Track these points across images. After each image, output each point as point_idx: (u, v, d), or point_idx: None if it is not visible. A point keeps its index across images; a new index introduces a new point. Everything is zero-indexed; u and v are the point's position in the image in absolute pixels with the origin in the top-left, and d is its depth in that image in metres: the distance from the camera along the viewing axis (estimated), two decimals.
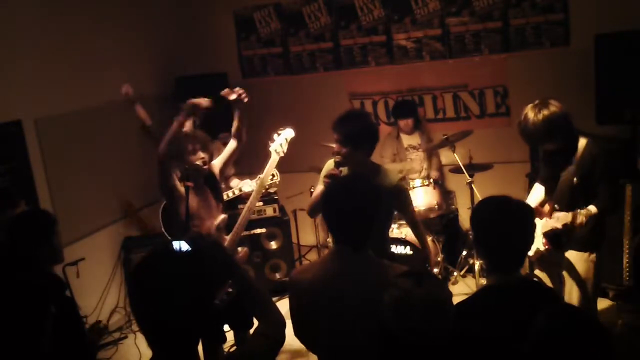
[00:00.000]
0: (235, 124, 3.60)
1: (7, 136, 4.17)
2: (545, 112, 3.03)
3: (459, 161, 4.89)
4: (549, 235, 3.23)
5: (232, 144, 3.66)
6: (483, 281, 4.82)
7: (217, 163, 3.69)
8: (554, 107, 3.05)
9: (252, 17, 6.01)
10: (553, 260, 3.39)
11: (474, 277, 4.92)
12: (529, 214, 2.19)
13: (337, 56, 5.86)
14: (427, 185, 5.00)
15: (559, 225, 3.08)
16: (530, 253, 3.32)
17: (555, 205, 3.21)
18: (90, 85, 4.89)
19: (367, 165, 3.28)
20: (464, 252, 5.20)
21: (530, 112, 3.08)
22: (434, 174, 5.34)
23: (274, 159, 3.55)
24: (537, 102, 3.11)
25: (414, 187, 5.00)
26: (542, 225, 3.24)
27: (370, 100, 5.86)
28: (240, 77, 6.17)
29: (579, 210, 3.07)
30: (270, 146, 3.56)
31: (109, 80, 5.07)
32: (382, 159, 5.20)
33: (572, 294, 3.35)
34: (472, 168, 4.95)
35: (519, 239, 2.12)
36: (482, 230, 2.19)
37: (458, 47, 5.46)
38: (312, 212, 3.57)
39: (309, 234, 5.80)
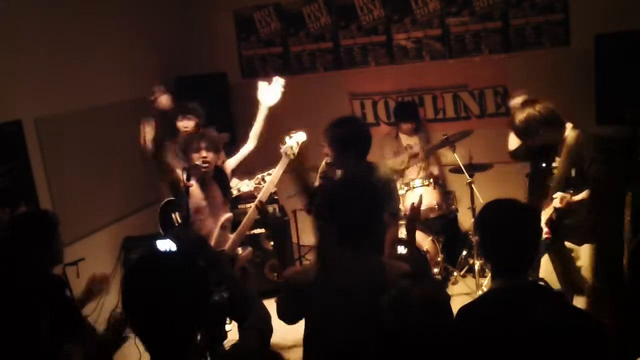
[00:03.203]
0: (258, 125, 3.70)
1: (7, 136, 4.17)
2: (525, 112, 3.32)
3: (459, 161, 4.89)
4: (550, 223, 3.41)
5: (250, 145, 3.74)
6: (483, 281, 4.82)
7: (231, 162, 3.77)
8: (536, 107, 3.32)
9: (252, 17, 6.01)
10: (558, 249, 3.58)
11: (474, 277, 4.91)
12: (536, 218, 2.18)
13: (337, 56, 5.86)
14: (427, 185, 5.00)
15: (557, 204, 3.28)
16: None
17: (554, 196, 3.38)
18: (90, 85, 4.89)
19: (357, 166, 3.25)
20: (464, 252, 5.20)
21: (517, 109, 3.42)
22: (435, 171, 5.34)
23: (284, 161, 3.53)
24: (525, 99, 3.45)
25: (414, 187, 5.00)
26: (543, 214, 3.43)
27: (370, 100, 5.86)
28: (240, 77, 6.17)
29: (570, 193, 3.31)
30: (281, 148, 3.53)
31: (109, 80, 5.08)
32: (383, 157, 5.21)
33: (590, 288, 3.51)
34: (472, 168, 4.95)
35: (526, 243, 2.11)
36: (489, 234, 2.17)
37: (458, 47, 5.46)
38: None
39: (309, 234, 5.79)
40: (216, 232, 3.59)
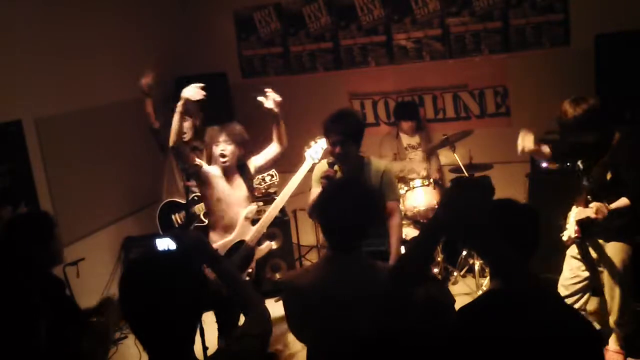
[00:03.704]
0: (274, 130, 3.77)
1: (7, 136, 4.17)
2: (584, 105, 3.22)
3: (459, 161, 4.89)
4: (581, 223, 3.40)
5: (274, 146, 3.82)
6: (483, 281, 4.83)
7: (256, 160, 3.85)
8: (591, 100, 3.25)
9: (252, 17, 6.01)
10: (585, 247, 3.58)
11: (474, 277, 4.92)
12: (534, 218, 2.17)
13: (337, 56, 5.86)
14: (427, 185, 5.00)
15: (591, 214, 3.23)
16: (564, 238, 3.47)
17: (588, 197, 3.36)
18: (90, 85, 4.89)
19: (357, 159, 3.46)
20: (464, 252, 5.20)
21: (568, 106, 3.26)
22: (435, 175, 5.34)
23: (308, 164, 3.72)
24: (574, 97, 3.29)
25: (414, 187, 5.00)
26: (575, 213, 3.44)
27: (370, 100, 5.86)
28: (240, 77, 6.17)
29: (605, 204, 3.24)
30: (306, 151, 3.72)
31: (109, 80, 5.08)
32: (382, 157, 5.20)
33: (613, 287, 3.52)
34: (472, 168, 4.95)
35: (525, 243, 2.11)
36: (486, 235, 2.16)
37: (458, 47, 5.46)
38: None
39: (309, 234, 5.79)
40: (240, 222, 3.71)
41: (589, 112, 3.20)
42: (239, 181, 3.77)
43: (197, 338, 3.52)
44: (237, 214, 3.72)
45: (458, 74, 5.51)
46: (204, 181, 3.71)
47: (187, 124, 4.59)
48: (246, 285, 2.08)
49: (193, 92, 3.63)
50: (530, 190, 4.82)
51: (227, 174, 3.73)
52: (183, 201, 4.70)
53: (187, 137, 4.63)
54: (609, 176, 3.31)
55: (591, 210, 3.25)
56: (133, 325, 1.59)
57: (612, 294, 3.52)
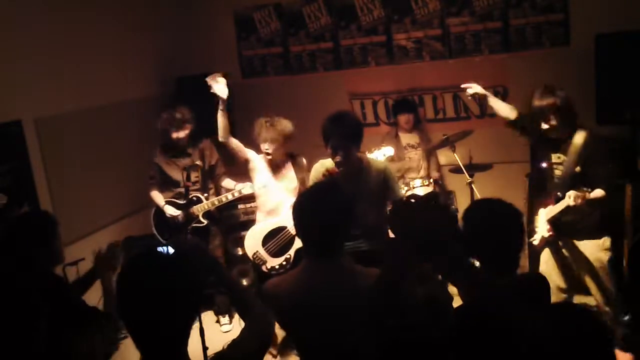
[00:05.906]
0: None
1: (7, 136, 4.17)
2: (550, 99, 3.40)
3: (459, 161, 4.89)
4: (552, 221, 3.45)
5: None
6: None
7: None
8: (559, 91, 3.44)
9: (252, 17, 6.01)
10: (559, 247, 3.62)
11: None
12: (519, 216, 2.20)
13: (337, 56, 5.85)
14: (427, 185, 5.00)
15: (571, 203, 3.25)
16: (536, 242, 3.48)
17: (559, 193, 3.40)
18: (90, 85, 4.89)
19: (357, 160, 3.49)
20: None
21: (537, 94, 3.48)
22: (434, 174, 5.34)
23: None
24: (545, 87, 3.50)
25: (414, 187, 5.00)
26: (545, 213, 3.48)
27: (370, 100, 5.86)
28: (240, 77, 6.17)
29: (576, 192, 3.27)
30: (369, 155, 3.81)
31: (109, 80, 5.08)
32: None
33: (590, 284, 3.49)
34: (472, 168, 4.95)
35: (513, 241, 2.12)
36: (476, 235, 2.17)
37: (458, 47, 5.46)
38: None
39: None
40: (285, 210, 3.94)
41: (551, 107, 3.34)
42: (287, 171, 4.03)
43: (198, 338, 3.53)
44: (281, 201, 3.98)
45: (458, 74, 5.49)
46: (251, 168, 4.08)
47: (185, 132, 4.61)
48: (245, 290, 2.09)
49: (221, 89, 3.81)
50: (530, 191, 4.82)
51: (276, 165, 4.02)
52: (181, 202, 4.70)
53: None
54: (577, 169, 3.37)
55: (568, 199, 3.27)
56: (128, 322, 1.60)
57: (596, 291, 3.53)
